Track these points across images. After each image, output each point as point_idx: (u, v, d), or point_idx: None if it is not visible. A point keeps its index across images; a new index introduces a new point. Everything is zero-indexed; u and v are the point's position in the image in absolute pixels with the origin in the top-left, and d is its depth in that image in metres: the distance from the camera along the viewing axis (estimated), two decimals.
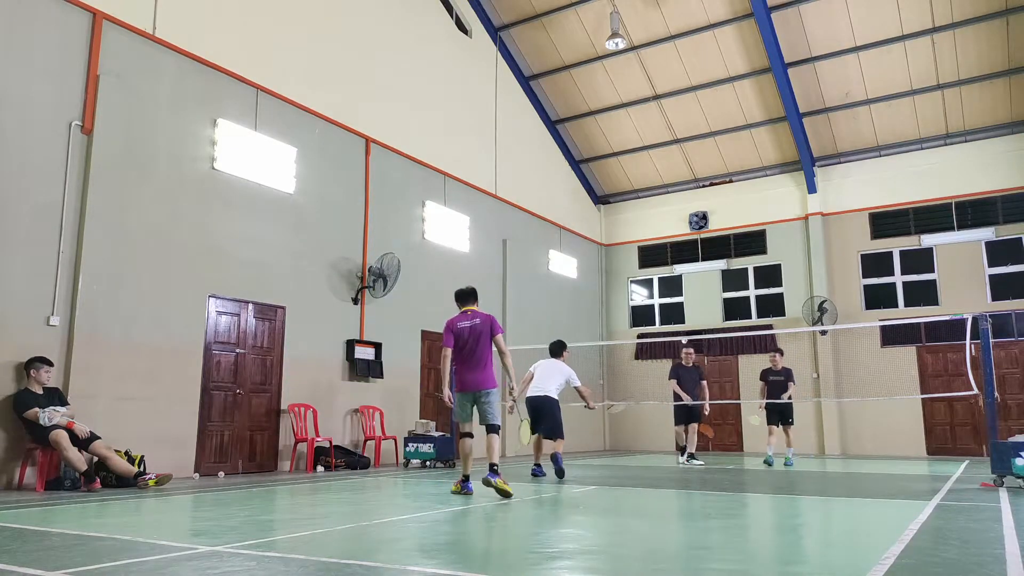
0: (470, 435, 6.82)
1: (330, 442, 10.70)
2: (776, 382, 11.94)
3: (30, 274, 7.81)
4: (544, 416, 9.29)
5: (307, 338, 10.91)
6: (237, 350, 9.92)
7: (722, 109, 16.96)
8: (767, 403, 11.96)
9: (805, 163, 16.86)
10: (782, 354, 12.33)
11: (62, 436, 7.25)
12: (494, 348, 6.82)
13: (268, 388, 10.30)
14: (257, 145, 10.39)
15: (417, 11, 14.03)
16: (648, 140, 18.14)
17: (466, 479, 6.67)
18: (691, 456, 11.77)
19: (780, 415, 11.87)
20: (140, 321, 8.73)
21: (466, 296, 7.07)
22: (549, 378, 9.45)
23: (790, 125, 16.33)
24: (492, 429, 6.70)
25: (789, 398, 11.82)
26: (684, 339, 12.63)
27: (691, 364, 11.96)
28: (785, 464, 11.36)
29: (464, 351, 6.77)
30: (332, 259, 11.48)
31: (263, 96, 10.61)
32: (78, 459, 7.25)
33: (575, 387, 9.64)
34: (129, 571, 3.22)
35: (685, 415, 11.82)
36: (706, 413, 12.02)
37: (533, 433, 9.40)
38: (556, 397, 9.37)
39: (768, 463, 11.44)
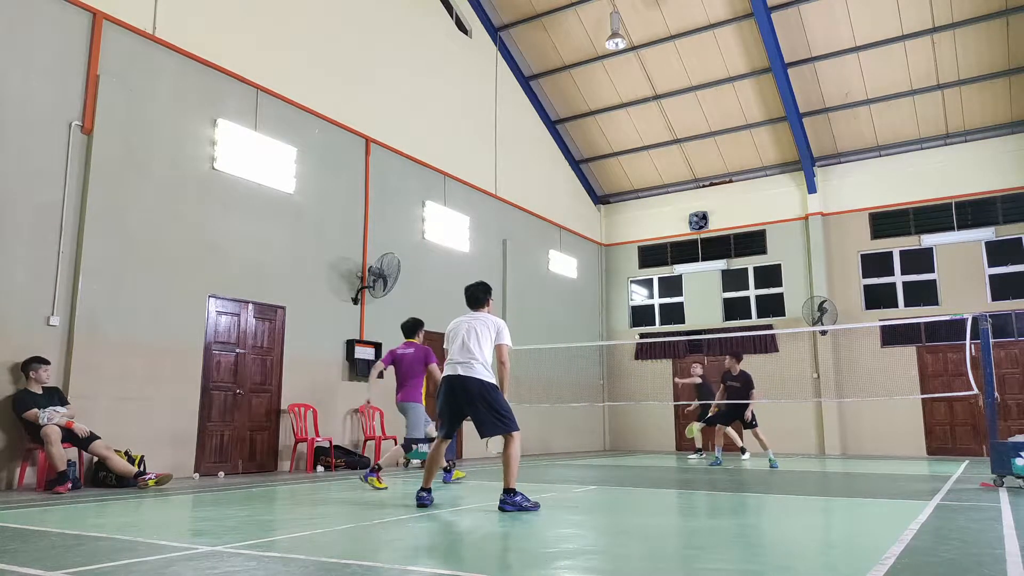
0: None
1: (330, 442, 10.70)
2: (732, 387, 11.74)
3: (30, 274, 7.81)
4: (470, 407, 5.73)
5: (307, 338, 10.91)
6: (237, 350, 9.92)
7: (722, 109, 16.96)
8: (726, 404, 11.81)
9: (805, 163, 16.86)
10: (740, 359, 12.04)
11: (53, 431, 7.21)
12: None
13: (268, 388, 10.30)
14: (257, 145, 10.39)
15: (417, 11, 14.03)
16: (648, 140, 18.13)
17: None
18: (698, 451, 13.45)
19: (740, 419, 11.66)
20: (140, 321, 8.72)
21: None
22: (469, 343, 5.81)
23: (790, 125, 16.33)
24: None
25: (748, 407, 11.58)
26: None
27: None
28: (771, 466, 11.08)
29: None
30: (332, 259, 11.48)
31: (263, 96, 10.61)
32: (60, 458, 7.18)
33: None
34: (129, 571, 3.22)
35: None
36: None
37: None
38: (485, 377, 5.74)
39: (717, 463, 11.43)
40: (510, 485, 5.51)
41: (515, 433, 5.59)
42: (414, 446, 7.66)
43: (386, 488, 7.36)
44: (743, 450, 12.72)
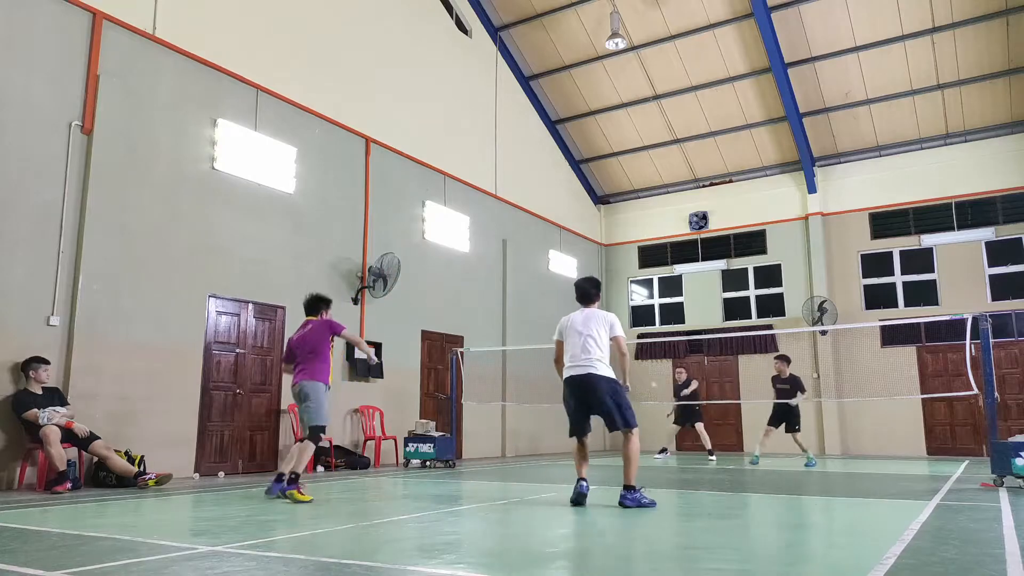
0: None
1: (330, 442, 10.69)
2: (782, 390, 12.04)
3: (30, 274, 7.81)
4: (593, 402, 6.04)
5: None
6: (237, 350, 9.92)
7: (722, 109, 16.95)
8: (774, 403, 12.09)
9: (805, 163, 16.86)
10: (788, 362, 12.31)
11: (52, 431, 7.22)
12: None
13: (268, 388, 10.30)
14: (257, 145, 10.39)
15: (417, 11, 14.02)
16: (648, 140, 18.13)
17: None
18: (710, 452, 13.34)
19: (787, 421, 11.93)
20: (140, 321, 8.72)
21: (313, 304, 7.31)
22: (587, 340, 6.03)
23: (790, 125, 16.32)
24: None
25: (795, 404, 11.90)
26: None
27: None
28: (806, 465, 11.35)
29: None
30: (332, 259, 11.47)
31: (263, 96, 10.60)
32: (60, 457, 7.19)
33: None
34: (129, 571, 3.22)
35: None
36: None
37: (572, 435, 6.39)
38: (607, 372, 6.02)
39: (754, 463, 11.82)
40: (630, 482, 5.74)
41: (635, 429, 5.93)
42: (321, 435, 6.93)
43: (311, 500, 6.13)
44: (711, 452, 13.29)
